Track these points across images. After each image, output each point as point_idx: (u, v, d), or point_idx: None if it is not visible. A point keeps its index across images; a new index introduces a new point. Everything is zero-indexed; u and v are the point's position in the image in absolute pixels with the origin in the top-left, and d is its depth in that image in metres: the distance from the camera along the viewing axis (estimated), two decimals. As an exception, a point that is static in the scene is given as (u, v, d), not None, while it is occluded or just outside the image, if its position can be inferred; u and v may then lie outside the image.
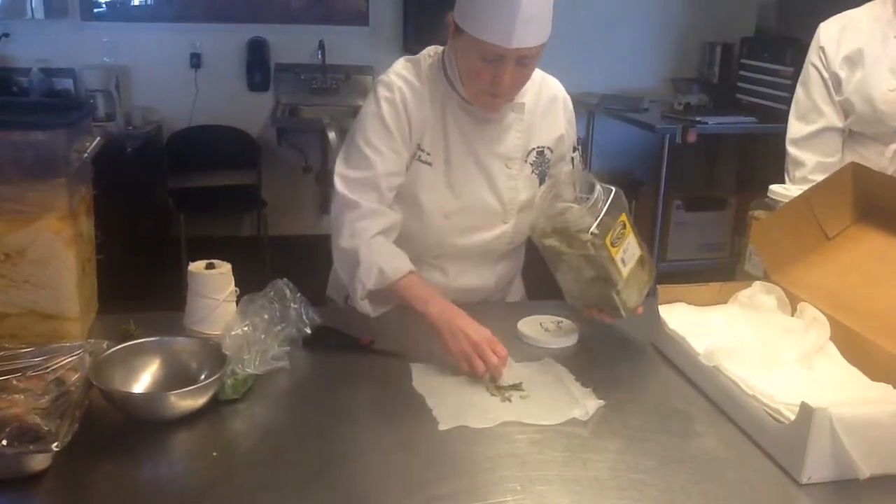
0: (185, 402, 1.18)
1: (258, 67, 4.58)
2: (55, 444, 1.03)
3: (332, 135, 3.63)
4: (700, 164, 4.89)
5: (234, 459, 1.15)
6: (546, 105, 1.72)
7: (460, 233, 1.70)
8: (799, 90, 2.07)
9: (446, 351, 1.40)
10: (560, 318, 1.60)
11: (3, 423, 1.04)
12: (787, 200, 1.58)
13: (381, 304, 1.56)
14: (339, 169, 1.64)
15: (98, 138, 1.44)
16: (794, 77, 3.94)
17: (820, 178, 1.92)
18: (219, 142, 4.55)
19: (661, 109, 4.40)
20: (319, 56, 4.56)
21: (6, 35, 4.29)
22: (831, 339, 1.37)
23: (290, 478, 1.09)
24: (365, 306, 1.54)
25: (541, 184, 1.73)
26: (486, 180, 1.68)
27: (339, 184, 1.62)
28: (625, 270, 1.45)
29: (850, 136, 2.03)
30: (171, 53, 4.49)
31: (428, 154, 1.65)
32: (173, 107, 4.49)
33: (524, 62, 1.52)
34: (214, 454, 1.15)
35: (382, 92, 1.63)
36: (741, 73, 4.48)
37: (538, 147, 1.72)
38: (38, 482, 1.05)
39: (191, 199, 4.39)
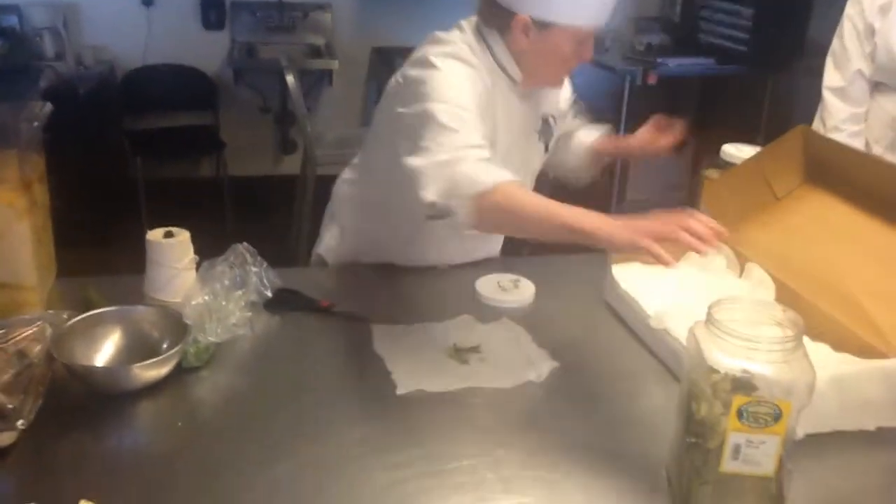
0: (149, 373, 1.20)
1: (213, 5, 4.44)
2: (20, 421, 1.05)
3: (290, 78, 3.57)
4: (660, 105, 4.89)
5: (199, 429, 1.18)
6: None
7: None
8: (835, 41, 2.20)
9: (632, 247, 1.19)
10: (518, 277, 1.64)
11: (-33, 403, 1.06)
12: (738, 161, 1.63)
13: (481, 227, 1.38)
14: (429, 148, 1.35)
15: (48, 106, 1.41)
16: (754, 19, 3.99)
17: (852, 127, 2.08)
18: (174, 82, 4.45)
19: (622, 49, 4.39)
20: (276, -7, 4.45)
21: (-56, -30, 4.10)
22: (776, 300, 1.43)
23: (253, 447, 1.13)
24: (468, 219, 1.32)
25: (546, 151, 1.75)
26: (512, 154, 1.62)
27: (439, 112, 1.36)
28: None
29: (874, 86, 2.11)
30: (121, -11, 4.34)
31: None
32: (125, 46, 4.35)
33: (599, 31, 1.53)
34: (179, 424, 1.18)
35: (458, 60, 1.46)
36: (702, 13, 4.46)
37: (545, 115, 1.72)
38: (4, 457, 1.07)
39: (147, 141, 4.31)
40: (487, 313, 1.53)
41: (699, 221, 1.15)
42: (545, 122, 1.73)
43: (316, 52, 4.50)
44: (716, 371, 0.99)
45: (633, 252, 1.26)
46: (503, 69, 1.56)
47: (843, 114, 2.18)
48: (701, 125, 4.86)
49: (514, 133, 1.63)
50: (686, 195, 4.38)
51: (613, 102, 4.24)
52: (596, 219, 1.23)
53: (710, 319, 1.00)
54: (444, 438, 1.16)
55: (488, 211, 1.29)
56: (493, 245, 1.88)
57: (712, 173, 1.71)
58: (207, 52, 4.49)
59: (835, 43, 2.21)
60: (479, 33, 1.55)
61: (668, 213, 1.18)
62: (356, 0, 4.51)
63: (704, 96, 4.93)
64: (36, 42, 3.99)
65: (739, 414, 0.97)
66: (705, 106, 4.94)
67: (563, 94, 1.80)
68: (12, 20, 4.16)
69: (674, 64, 4.05)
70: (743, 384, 0.98)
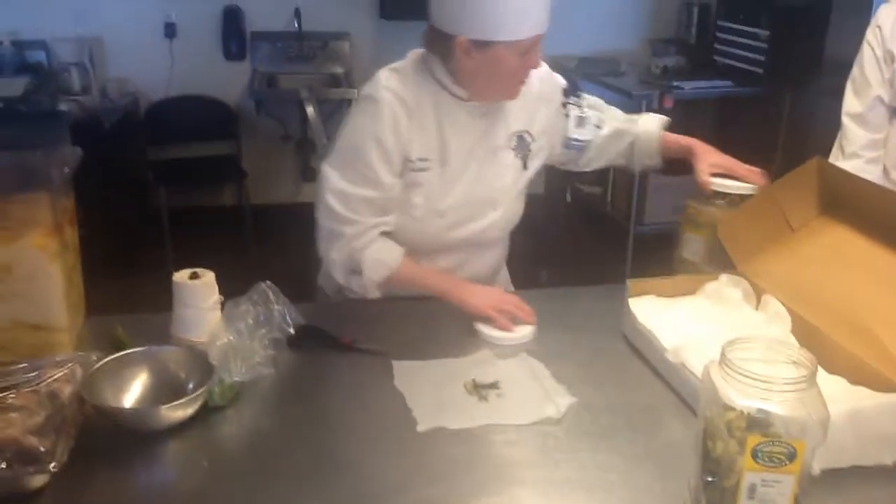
0: (176, 413, 1.24)
1: (234, 36, 4.54)
2: (52, 464, 1.08)
3: (310, 109, 3.63)
4: (676, 126, 4.91)
5: (225, 467, 1.21)
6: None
7: (454, 226, 1.75)
8: (855, 67, 2.23)
9: (479, 313, 1.58)
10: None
11: (2, 446, 1.09)
12: (739, 189, 1.70)
13: (386, 291, 1.72)
14: (334, 180, 1.65)
15: (78, 151, 1.45)
16: (770, 41, 4.00)
17: (870, 154, 2.11)
18: (197, 112, 4.54)
19: (638, 73, 4.42)
20: (295, 23, 4.52)
21: (-27, 8, 4.22)
22: (792, 332, 1.44)
23: (278, 486, 1.15)
24: (375, 294, 1.71)
25: (524, 168, 1.79)
26: (477, 173, 1.72)
27: (333, 198, 1.65)
28: None
29: (893, 112, 2.14)
30: (144, 23, 4.45)
31: (424, 160, 1.67)
32: (149, 78, 4.46)
33: (542, 39, 1.59)
34: (205, 463, 1.21)
35: (375, 111, 1.62)
36: (717, 34, 4.49)
37: (517, 131, 1.77)
38: (37, 499, 1.11)
39: (171, 171, 4.40)
40: (505, 349, 1.55)
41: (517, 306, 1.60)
42: (520, 138, 1.77)
43: (335, 81, 4.57)
44: (731, 409, 1.00)
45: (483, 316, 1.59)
46: (446, 89, 1.65)
47: (863, 140, 2.19)
48: (718, 147, 4.89)
49: (470, 150, 1.70)
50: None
51: (630, 126, 4.26)
52: (458, 289, 1.66)
53: (723, 359, 1.02)
54: (465, 476, 1.18)
55: (387, 284, 1.69)
56: (497, 276, 1.92)
57: (692, 203, 1.76)
58: (229, 82, 4.58)
59: (854, 69, 2.22)
60: (424, 59, 1.66)
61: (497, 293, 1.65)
62: (374, 29, 4.59)
63: (721, 118, 4.93)
64: (63, 77, 4.09)
65: (754, 454, 0.98)
66: (722, 127, 4.93)
67: (545, 108, 1.82)
68: (40, 56, 4.29)
69: (690, 87, 4.07)
70: (757, 423, 0.99)
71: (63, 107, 3.84)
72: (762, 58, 4.09)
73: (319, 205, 1.69)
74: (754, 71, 4.14)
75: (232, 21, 4.51)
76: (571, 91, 1.87)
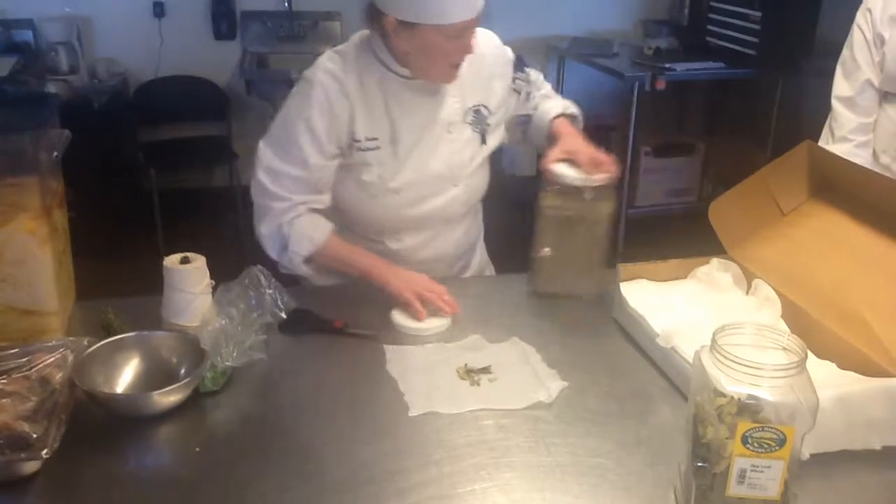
0: (168, 398, 1.24)
1: (224, 16, 4.48)
2: (45, 451, 1.08)
3: (301, 90, 3.59)
4: (669, 108, 4.92)
5: (217, 452, 1.21)
6: (472, 63, 1.72)
7: (412, 204, 1.75)
8: (845, 51, 2.22)
9: (397, 296, 1.59)
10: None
11: (-7, 432, 1.09)
12: (569, 180, 1.59)
13: (317, 268, 1.72)
14: (266, 156, 1.67)
15: (67, 133, 1.44)
16: (762, 22, 3.99)
17: (860, 137, 2.10)
18: (187, 93, 4.48)
19: (630, 54, 4.40)
20: (286, 3, 4.47)
21: (-40, -14, 4.16)
22: (782, 316, 1.45)
23: (270, 470, 1.16)
24: (306, 270, 1.71)
25: (482, 142, 1.79)
26: (431, 149, 1.72)
27: (263, 174, 1.67)
28: None
29: (883, 96, 2.13)
30: (133, 2, 4.38)
31: (373, 139, 1.67)
32: (138, 58, 4.40)
33: (477, 23, 1.58)
34: (197, 448, 1.22)
35: (307, 92, 1.64)
36: (710, 15, 4.46)
37: (473, 105, 1.77)
38: (29, 484, 1.11)
39: (161, 152, 4.36)
40: (499, 332, 1.55)
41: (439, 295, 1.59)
42: (476, 112, 1.77)
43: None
44: (721, 395, 1.01)
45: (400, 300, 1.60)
46: (389, 69, 1.65)
47: (852, 124, 2.19)
48: (710, 129, 4.90)
49: (421, 127, 1.70)
50: (695, 200, 4.39)
51: (622, 108, 4.26)
52: (380, 269, 1.66)
53: (714, 345, 1.02)
54: (457, 461, 1.18)
55: (314, 259, 1.69)
56: (472, 255, 1.93)
57: (545, 196, 1.64)
58: (219, 62, 4.53)
59: (844, 52, 2.22)
60: (368, 40, 1.67)
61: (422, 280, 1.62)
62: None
63: (713, 100, 4.93)
64: (51, 56, 4.05)
65: (744, 439, 0.99)
66: (714, 109, 4.94)
67: (500, 81, 1.80)
68: (27, 35, 4.23)
69: (682, 69, 4.05)
70: (747, 409, 1.00)
71: (51, 87, 3.81)
72: (755, 39, 4.07)
73: (252, 181, 1.70)
74: (747, 53, 4.12)
75: (222, 1, 4.46)
76: (519, 66, 1.84)
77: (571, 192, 1.60)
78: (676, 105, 4.96)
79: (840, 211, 1.52)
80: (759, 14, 4.02)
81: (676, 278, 1.63)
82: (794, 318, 1.43)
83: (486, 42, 1.75)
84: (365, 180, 1.70)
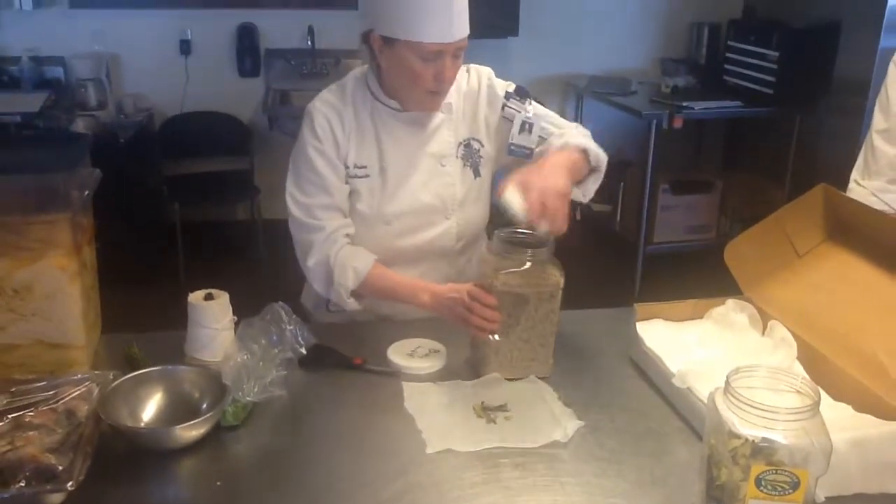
0: (190, 433, 1.26)
1: (248, 53, 4.59)
2: (70, 483, 1.10)
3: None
4: (686, 146, 4.95)
5: (237, 486, 1.23)
6: (467, 99, 1.80)
7: (404, 234, 1.79)
8: (882, 88, 2.22)
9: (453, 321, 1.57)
10: (437, 345, 1.62)
11: (21, 464, 1.12)
12: (511, 209, 1.44)
13: (361, 298, 1.75)
14: (294, 193, 1.75)
15: (98, 173, 1.49)
16: (780, 62, 4.02)
17: (892, 174, 2.09)
18: (211, 128, 4.57)
19: (648, 92, 4.44)
20: (309, 41, 4.57)
21: (-5, 24, 4.29)
22: (798, 358, 1.45)
23: (290, 506, 1.18)
24: (352, 304, 1.73)
25: (475, 176, 1.82)
26: (422, 181, 1.77)
27: (296, 209, 1.74)
28: None
29: None
30: (160, 40, 4.50)
31: (362, 167, 1.74)
32: (164, 94, 4.51)
33: (458, 54, 1.64)
34: (218, 482, 1.23)
35: (311, 123, 1.73)
36: (728, 55, 4.51)
37: (464, 140, 1.81)
38: (55, 516, 1.13)
39: (185, 186, 4.43)
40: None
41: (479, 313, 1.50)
42: (467, 146, 1.81)
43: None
44: (735, 437, 1.02)
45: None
46: (378, 100, 1.73)
47: (889, 156, 2.19)
48: (727, 166, 4.92)
49: (409, 159, 1.76)
50: (713, 237, 4.39)
51: (640, 146, 4.29)
52: (421, 299, 1.65)
53: (728, 388, 1.04)
54: (473, 499, 1.20)
55: (360, 290, 1.71)
56: None
57: (485, 254, 1.56)
58: (243, 98, 4.63)
59: (882, 89, 2.25)
60: (364, 73, 1.75)
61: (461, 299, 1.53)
62: (386, 47, 4.63)
63: (731, 137, 4.96)
64: (80, 92, 4.16)
65: (758, 482, 1.00)
66: (732, 147, 4.96)
67: (492, 114, 1.80)
68: (58, 72, 4.36)
69: (700, 107, 4.08)
70: (761, 451, 1.01)
71: (80, 122, 3.90)
72: (772, 78, 4.10)
73: (289, 220, 1.77)
74: (764, 91, 4.16)
75: (246, 38, 4.56)
76: (520, 95, 1.78)
77: (515, 262, 1.46)
78: (694, 142, 4.99)
79: (855, 253, 1.53)
80: (776, 54, 4.06)
81: (692, 318, 1.64)
82: (810, 360, 1.43)
83: (482, 77, 1.81)
84: (359, 209, 1.76)
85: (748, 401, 1.00)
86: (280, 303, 1.55)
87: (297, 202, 1.74)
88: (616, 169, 4.69)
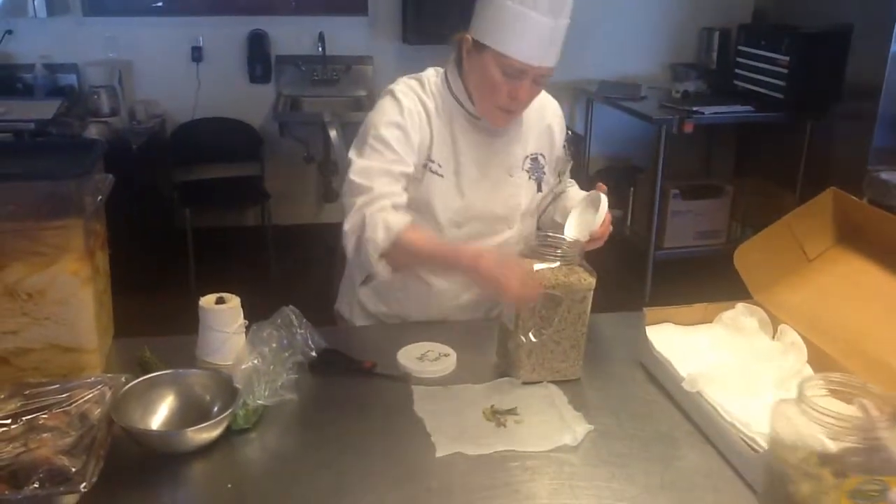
0: (201, 436, 1.27)
1: (259, 60, 4.62)
2: (83, 484, 1.11)
3: (333, 132, 3.68)
4: (697, 151, 4.94)
5: (248, 489, 1.24)
6: (536, 114, 1.83)
7: (471, 240, 1.79)
8: None
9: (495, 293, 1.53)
10: (447, 349, 1.62)
11: (34, 466, 1.13)
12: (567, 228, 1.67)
13: (394, 266, 1.63)
14: (353, 159, 1.68)
15: (111, 178, 1.50)
16: (791, 66, 4.02)
17: None
18: (222, 134, 4.61)
19: (658, 97, 4.44)
20: (319, 47, 4.60)
21: (9, 32, 4.33)
22: (808, 362, 1.45)
23: (300, 509, 1.18)
24: (382, 270, 1.61)
25: (538, 189, 1.85)
26: (492, 189, 1.78)
27: (356, 175, 1.65)
28: None
29: None
30: (172, 47, 4.53)
31: (439, 165, 1.74)
32: (176, 101, 4.54)
33: (540, 81, 1.64)
34: (229, 485, 1.24)
35: (393, 97, 1.71)
36: (738, 59, 4.50)
37: (532, 154, 1.83)
38: (68, 518, 1.14)
39: (196, 191, 4.47)
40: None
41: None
42: (534, 160, 1.83)
43: (358, 105, 4.63)
44: (816, 449, 1.00)
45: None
46: (462, 105, 1.73)
47: None
48: (738, 172, 4.91)
49: (482, 166, 1.76)
50: (723, 242, 4.38)
51: (650, 151, 4.29)
52: (465, 255, 1.53)
53: (804, 399, 1.02)
54: (482, 502, 1.20)
55: (392, 251, 1.58)
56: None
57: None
58: (254, 105, 4.66)
59: None
60: (446, 75, 1.75)
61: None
62: (396, 54, 4.65)
63: (742, 142, 4.95)
64: (93, 99, 4.19)
65: (852, 494, 0.99)
66: (743, 152, 4.95)
67: (559, 134, 1.89)
68: (71, 79, 4.40)
69: (710, 112, 4.08)
70: (851, 462, 0.99)
71: (92, 129, 3.93)
72: (783, 83, 4.10)
73: (342, 189, 1.70)
74: (775, 96, 4.15)
75: (257, 45, 4.59)
76: (567, 142, 1.94)
77: (549, 262, 1.50)
78: (704, 147, 4.99)
79: (866, 257, 1.53)
80: (787, 59, 4.06)
81: (702, 322, 1.64)
82: (820, 363, 1.43)
83: (549, 100, 1.86)
84: (433, 207, 1.73)
85: (828, 412, 0.99)
86: (291, 307, 1.56)
87: (358, 168, 1.65)
88: (626, 174, 4.71)
